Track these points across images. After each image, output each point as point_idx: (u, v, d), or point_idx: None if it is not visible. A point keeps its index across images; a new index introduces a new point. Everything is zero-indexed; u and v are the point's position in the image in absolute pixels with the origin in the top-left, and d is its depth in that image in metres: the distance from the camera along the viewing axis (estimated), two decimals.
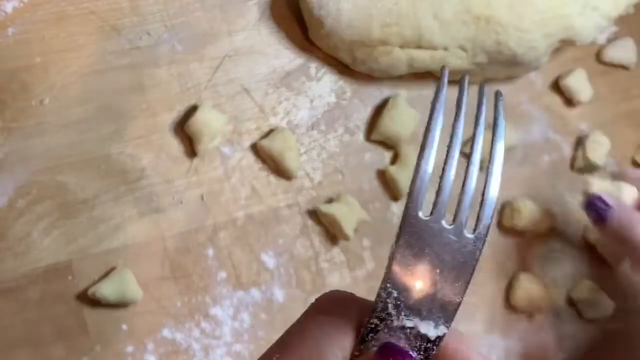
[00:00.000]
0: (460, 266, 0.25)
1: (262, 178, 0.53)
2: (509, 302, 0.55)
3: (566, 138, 0.60)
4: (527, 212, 0.56)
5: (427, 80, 0.58)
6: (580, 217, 0.56)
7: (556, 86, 0.61)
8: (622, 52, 0.63)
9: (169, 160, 0.52)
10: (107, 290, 0.47)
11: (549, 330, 0.56)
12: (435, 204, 0.26)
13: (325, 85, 0.56)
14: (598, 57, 0.63)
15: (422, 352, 0.25)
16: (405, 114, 0.55)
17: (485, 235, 0.25)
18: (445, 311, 0.25)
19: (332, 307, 0.26)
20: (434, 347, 0.25)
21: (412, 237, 0.25)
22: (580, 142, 0.60)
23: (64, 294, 0.48)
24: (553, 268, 0.57)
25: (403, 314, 0.25)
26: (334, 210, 0.52)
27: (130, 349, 0.48)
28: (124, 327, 0.48)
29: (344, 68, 0.57)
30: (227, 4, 0.56)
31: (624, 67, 0.64)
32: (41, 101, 0.51)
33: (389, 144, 0.56)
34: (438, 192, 0.26)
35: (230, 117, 0.53)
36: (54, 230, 0.49)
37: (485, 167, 0.26)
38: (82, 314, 0.48)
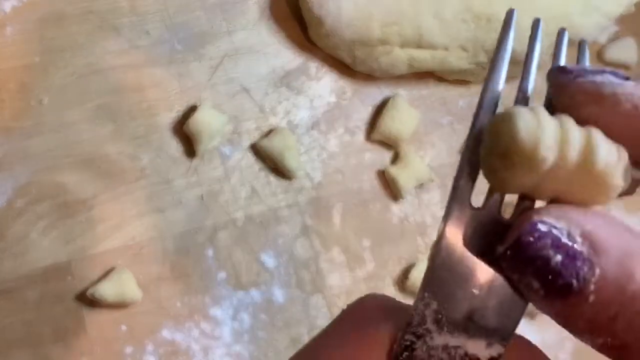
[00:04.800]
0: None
1: (261, 178, 0.53)
2: None
3: None
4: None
5: (428, 80, 0.58)
6: None
7: None
8: (623, 51, 0.63)
9: (168, 160, 0.52)
10: (106, 290, 0.47)
11: (551, 330, 0.56)
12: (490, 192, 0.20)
13: (326, 85, 0.56)
14: (599, 56, 0.63)
15: None
16: (406, 114, 0.55)
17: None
18: (502, 325, 0.20)
19: (361, 318, 0.22)
20: None
21: (460, 230, 0.20)
22: None
23: (63, 295, 0.48)
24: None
25: (446, 329, 0.20)
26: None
27: (129, 349, 0.48)
28: (124, 327, 0.48)
29: (344, 68, 0.57)
30: (227, 4, 0.56)
31: (625, 67, 0.64)
32: (40, 101, 0.51)
33: (389, 144, 0.56)
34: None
35: (230, 117, 0.53)
36: (53, 231, 0.49)
37: None
38: (81, 315, 0.48)
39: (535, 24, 0.24)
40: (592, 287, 0.18)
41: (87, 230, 0.49)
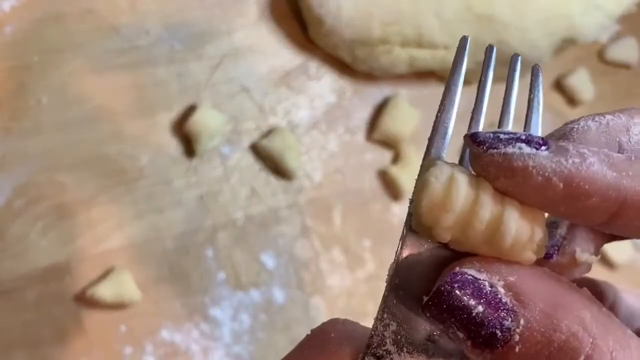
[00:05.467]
0: None
1: (261, 178, 0.53)
2: None
3: None
4: None
5: (428, 80, 0.58)
6: None
7: (558, 85, 0.61)
8: (624, 51, 0.63)
9: (167, 161, 0.52)
10: (105, 291, 0.47)
11: None
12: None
13: (326, 84, 0.56)
14: (600, 56, 0.63)
15: None
16: (406, 114, 0.55)
17: None
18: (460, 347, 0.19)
19: (321, 343, 0.22)
20: None
21: (415, 252, 0.20)
22: None
23: (61, 295, 0.48)
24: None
25: (405, 350, 0.20)
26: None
27: (128, 350, 0.48)
28: (123, 328, 0.48)
29: (344, 67, 0.57)
30: (226, 3, 0.56)
31: (626, 66, 0.64)
32: (39, 101, 0.51)
33: (390, 144, 0.56)
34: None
35: (229, 116, 0.53)
36: (51, 231, 0.49)
37: None
38: (80, 315, 0.48)
39: (489, 50, 0.24)
40: (517, 337, 0.17)
41: (86, 231, 0.49)
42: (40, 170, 0.50)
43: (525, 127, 0.23)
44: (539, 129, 0.22)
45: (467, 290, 0.18)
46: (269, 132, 0.54)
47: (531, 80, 0.24)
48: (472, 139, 0.20)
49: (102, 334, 0.48)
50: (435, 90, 0.58)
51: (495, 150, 0.19)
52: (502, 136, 0.19)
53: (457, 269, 0.19)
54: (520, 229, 0.18)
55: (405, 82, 0.58)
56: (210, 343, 0.49)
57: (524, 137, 0.19)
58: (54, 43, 0.52)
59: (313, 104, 0.56)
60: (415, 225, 0.20)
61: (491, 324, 0.18)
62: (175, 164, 0.52)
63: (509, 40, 0.54)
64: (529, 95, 0.24)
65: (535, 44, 0.54)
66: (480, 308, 0.18)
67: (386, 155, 0.56)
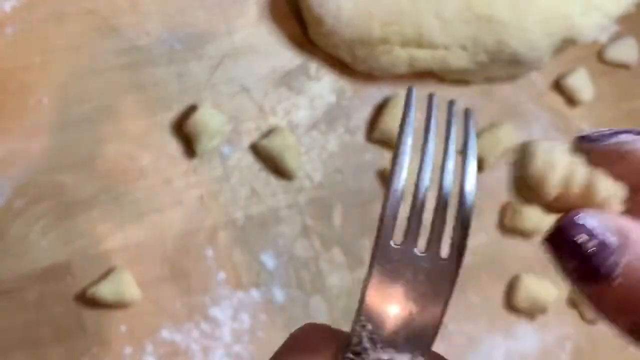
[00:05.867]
0: (436, 292, 0.24)
1: (261, 178, 0.53)
2: (510, 303, 0.55)
3: (567, 138, 0.60)
4: (527, 213, 0.55)
5: (428, 80, 0.58)
6: None
7: (557, 86, 0.61)
8: (623, 51, 0.63)
9: (168, 161, 0.52)
10: (105, 291, 0.47)
11: (551, 331, 0.56)
12: (407, 232, 0.26)
13: (326, 84, 0.56)
14: (599, 56, 0.63)
15: None
16: None
17: (460, 259, 0.25)
18: (422, 340, 0.24)
19: (306, 343, 0.26)
20: None
21: (384, 266, 0.25)
22: None
23: (62, 295, 0.48)
24: (554, 269, 0.57)
25: (379, 346, 0.24)
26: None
27: (129, 350, 0.48)
28: (123, 328, 0.48)
29: (344, 67, 0.57)
30: (226, 3, 0.56)
31: (625, 67, 0.64)
32: (39, 101, 0.51)
33: (390, 144, 0.56)
34: (409, 219, 0.26)
35: (229, 116, 0.53)
36: (52, 231, 0.49)
37: (457, 188, 0.26)
38: (80, 315, 0.48)
39: (429, 99, 0.28)
40: (620, 270, 0.21)
41: (87, 231, 0.49)
42: (41, 170, 0.50)
43: (462, 175, 0.26)
44: (474, 177, 0.26)
45: (582, 229, 0.22)
46: (269, 132, 0.54)
47: (465, 125, 0.28)
48: (583, 139, 0.24)
49: (102, 334, 0.48)
50: (435, 91, 0.58)
51: (604, 142, 0.23)
52: (605, 132, 0.23)
53: (575, 212, 0.22)
54: (609, 187, 0.22)
55: (405, 82, 0.58)
56: (211, 343, 0.49)
57: (621, 131, 0.23)
58: (55, 43, 0.52)
59: (313, 104, 0.56)
60: (519, 191, 0.24)
61: (599, 258, 0.21)
62: (176, 164, 0.52)
63: (509, 41, 0.54)
64: (464, 141, 0.27)
65: (535, 44, 0.54)
66: (591, 243, 0.21)
67: (386, 156, 0.56)
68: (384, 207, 0.25)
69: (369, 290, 0.25)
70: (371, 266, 0.25)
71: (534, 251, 0.57)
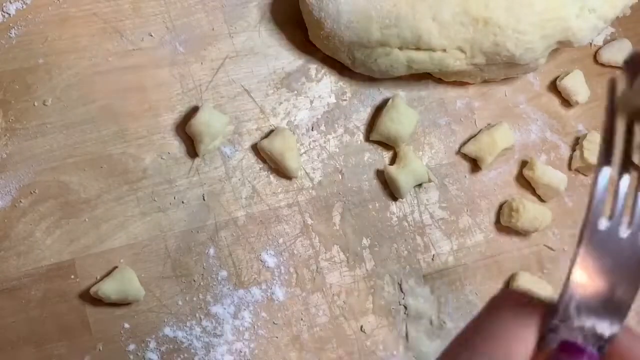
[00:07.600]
0: (634, 270, 0.27)
1: (262, 178, 0.54)
2: None
3: (563, 138, 0.61)
4: (525, 212, 0.56)
5: (426, 81, 0.58)
6: (579, 216, 0.56)
7: (554, 87, 0.62)
8: (619, 53, 0.63)
9: (170, 161, 0.52)
10: (109, 289, 0.48)
11: None
12: (612, 214, 0.28)
13: (325, 86, 0.57)
14: (595, 58, 0.63)
15: (596, 349, 0.28)
16: (405, 115, 0.55)
17: None
18: (619, 311, 0.27)
19: (515, 306, 0.28)
20: (607, 345, 0.27)
21: (591, 245, 0.27)
22: (577, 143, 0.61)
23: (66, 293, 0.49)
24: (552, 266, 0.58)
25: (583, 314, 0.27)
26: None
27: (132, 347, 0.49)
28: (126, 325, 0.49)
29: (343, 69, 0.57)
30: (228, 6, 0.57)
31: (620, 68, 0.64)
32: (44, 102, 0.51)
33: (389, 144, 0.56)
34: (614, 203, 0.28)
35: (231, 117, 0.54)
36: (56, 230, 0.49)
37: None
38: (84, 313, 0.49)
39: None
40: None
41: (91, 230, 0.50)
42: (45, 170, 0.50)
43: None
44: None
45: None
46: (270, 133, 0.54)
47: None
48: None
49: (105, 331, 0.49)
50: (433, 92, 0.59)
51: None
52: None
53: None
54: None
55: (404, 84, 0.58)
56: (212, 340, 0.50)
57: None
58: (59, 45, 0.53)
59: (313, 105, 0.56)
60: (627, 107, 0.28)
61: None
62: (178, 164, 0.53)
63: (505, 43, 0.54)
64: None
65: (531, 47, 0.55)
66: None
67: (385, 156, 0.57)
68: (591, 192, 0.28)
69: (577, 265, 0.27)
70: (579, 244, 0.27)
71: (531, 249, 0.57)
